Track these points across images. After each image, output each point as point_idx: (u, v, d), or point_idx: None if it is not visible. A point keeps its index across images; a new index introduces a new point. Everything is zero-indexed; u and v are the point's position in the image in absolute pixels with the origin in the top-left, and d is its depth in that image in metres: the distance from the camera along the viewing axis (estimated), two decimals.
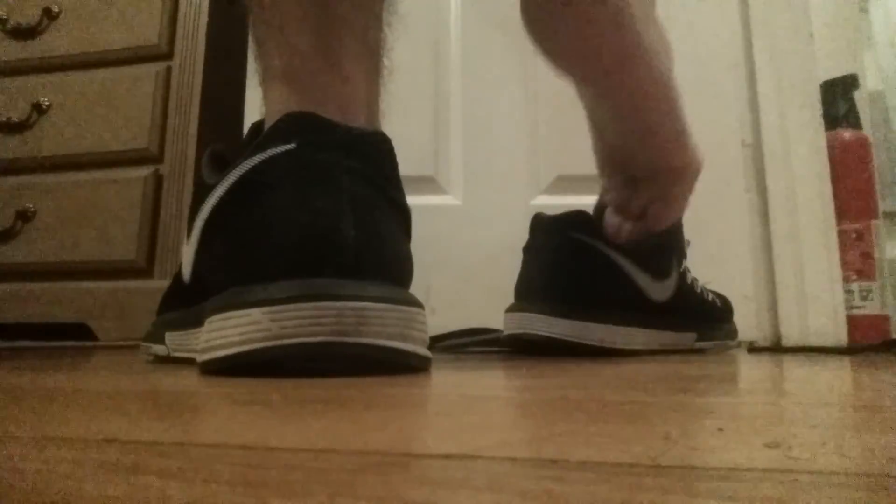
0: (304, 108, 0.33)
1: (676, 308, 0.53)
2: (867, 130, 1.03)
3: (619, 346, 0.50)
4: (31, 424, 0.15)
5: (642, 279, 0.51)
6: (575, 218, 0.52)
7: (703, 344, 0.57)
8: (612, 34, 0.44)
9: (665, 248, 0.53)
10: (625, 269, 0.51)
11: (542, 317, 0.50)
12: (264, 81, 0.38)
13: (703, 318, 0.57)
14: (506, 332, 0.53)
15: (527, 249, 0.55)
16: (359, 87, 0.37)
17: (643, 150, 0.51)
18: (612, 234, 0.52)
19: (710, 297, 0.60)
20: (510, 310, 0.54)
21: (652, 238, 0.52)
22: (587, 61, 0.46)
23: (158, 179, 0.93)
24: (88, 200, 0.93)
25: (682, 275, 0.54)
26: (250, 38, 0.39)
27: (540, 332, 0.49)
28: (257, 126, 0.38)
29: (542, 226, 0.54)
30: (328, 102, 0.35)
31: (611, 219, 0.53)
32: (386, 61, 0.40)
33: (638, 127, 0.50)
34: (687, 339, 0.56)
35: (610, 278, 0.50)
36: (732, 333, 0.64)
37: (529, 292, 0.53)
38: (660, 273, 0.52)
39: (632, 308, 0.51)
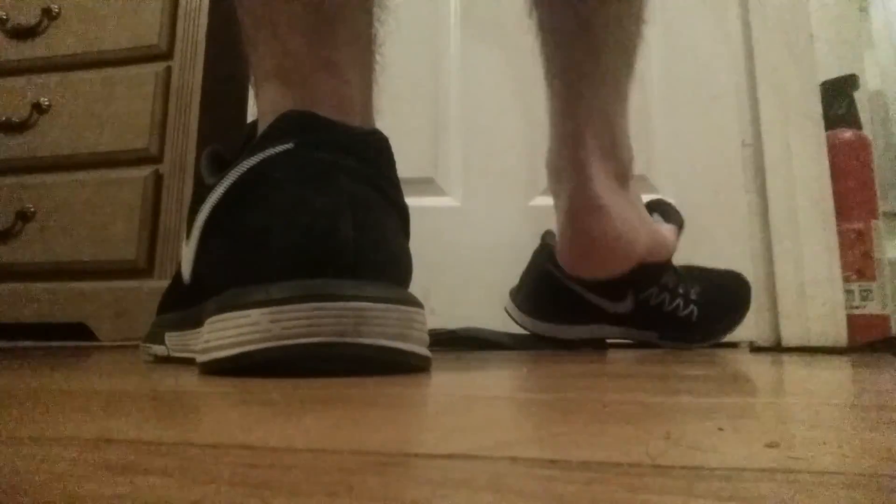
0: (299, 107, 0.33)
1: (637, 316, 0.68)
2: (867, 130, 1.03)
3: (564, 336, 0.68)
4: (31, 424, 0.15)
5: (597, 300, 0.67)
6: (549, 251, 0.68)
7: (664, 342, 0.70)
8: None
9: (619, 284, 0.65)
10: (581, 293, 0.67)
11: (526, 317, 0.69)
12: (256, 81, 0.38)
13: (667, 324, 0.69)
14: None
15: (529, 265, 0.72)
16: (353, 84, 0.37)
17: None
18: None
19: (688, 310, 0.69)
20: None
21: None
22: None
23: (158, 179, 0.93)
24: (88, 200, 0.93)
25: (644, 299, 0.67)
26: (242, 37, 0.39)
27: (522, 325, 0.70)
28: (253, 126, 0.38)
29: (537, 249, 0.70)
30: (324, 101, 0.34)
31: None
32: (378, 57, 0.40)
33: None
34: (648, 335, 0.69)
35: (570, 298, 0.68)
36: (704, 338, 0.71)
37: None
38: (615, 297, 0.67)
39: (592, 314, 0.68)
